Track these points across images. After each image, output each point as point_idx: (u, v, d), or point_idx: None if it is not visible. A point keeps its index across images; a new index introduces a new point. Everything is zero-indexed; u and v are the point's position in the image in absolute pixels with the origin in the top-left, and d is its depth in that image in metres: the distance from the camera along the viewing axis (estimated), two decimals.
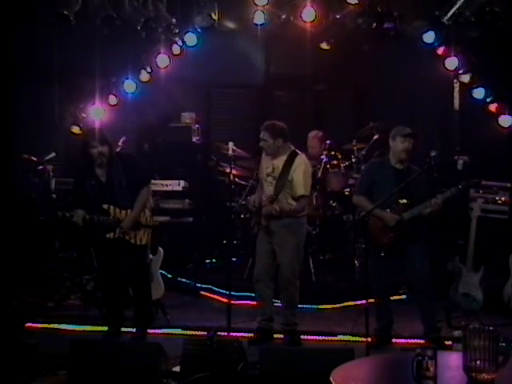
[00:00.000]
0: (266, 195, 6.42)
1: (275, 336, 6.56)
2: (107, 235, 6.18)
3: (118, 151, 6.48)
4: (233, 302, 6.53)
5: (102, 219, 6.14)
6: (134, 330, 6.43)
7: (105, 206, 6.15)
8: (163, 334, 6.57)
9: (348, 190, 8.60)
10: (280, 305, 6.62)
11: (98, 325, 6.70)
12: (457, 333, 6.12)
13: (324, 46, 9.25)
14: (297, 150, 6.48)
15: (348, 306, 7.62)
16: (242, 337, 6.21)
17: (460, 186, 6.17)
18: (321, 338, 6.59)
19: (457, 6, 7.83)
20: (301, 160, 6.42)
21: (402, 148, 6.22)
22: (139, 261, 6.40)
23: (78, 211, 6.10)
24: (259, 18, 8.28)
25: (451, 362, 3.74)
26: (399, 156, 6.25)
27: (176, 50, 8.68)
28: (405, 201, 6.21)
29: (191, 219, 9.04)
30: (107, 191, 6.18)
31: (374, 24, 8.22)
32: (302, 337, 6.52)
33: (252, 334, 6.43)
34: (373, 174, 6.43)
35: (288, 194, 6.35)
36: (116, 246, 6.23)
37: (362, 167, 8.60)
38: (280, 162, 6.41)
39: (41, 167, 7.89)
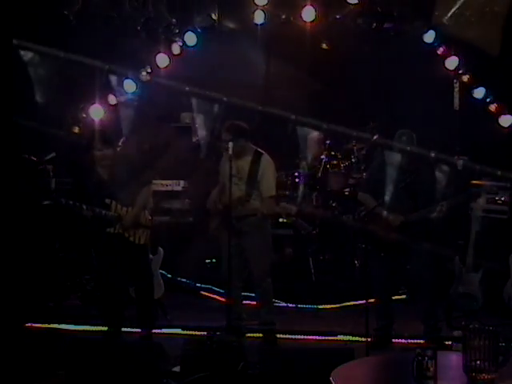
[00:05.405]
0: (232, 196, 6.33)
1: (251, 335, 6.54)
2: (107, 229, 6.20)
3: (120, 151, 6.48)
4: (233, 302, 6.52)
5: (103, 212, 6.16)
6: (133, 329, 6.41)
7: (107, 201, 6.19)
8: (163, 333, 6.57)
9: (348, 189, 8.59)
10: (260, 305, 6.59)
11: (98, 325, 6.70)
12: (457, 333, 6.11)
13: (324, 46, 9.25)
14: (260, 150, 6.45)
15: (348, 305, 7.63)
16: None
17: (467, 193, 6.18)
18: (321, 337, 6.60)
19: (457, 6, 7.83)
20: (267, 160, 6.41)
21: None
22: (140, 260, 6.39)
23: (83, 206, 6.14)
24: (259, 18, 8.30)
25: (451, 362, 3.74)
26: None
27: (176, 49, 8.69)
28: (410, 201, 6.21)
29: (191, 219, 9.04)
30: (108, 188, 6.22)
31: (374, 24, 8.24)
32: (303, 337, 6.53)
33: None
34: (380, 172, 6.42)
35: (257, 195, 6.35)
36: (115, 242, 6.24)
37: (362, 167, 8.61)
38: (245, 162, 6.37)
39: (41, 167, 7.89)
